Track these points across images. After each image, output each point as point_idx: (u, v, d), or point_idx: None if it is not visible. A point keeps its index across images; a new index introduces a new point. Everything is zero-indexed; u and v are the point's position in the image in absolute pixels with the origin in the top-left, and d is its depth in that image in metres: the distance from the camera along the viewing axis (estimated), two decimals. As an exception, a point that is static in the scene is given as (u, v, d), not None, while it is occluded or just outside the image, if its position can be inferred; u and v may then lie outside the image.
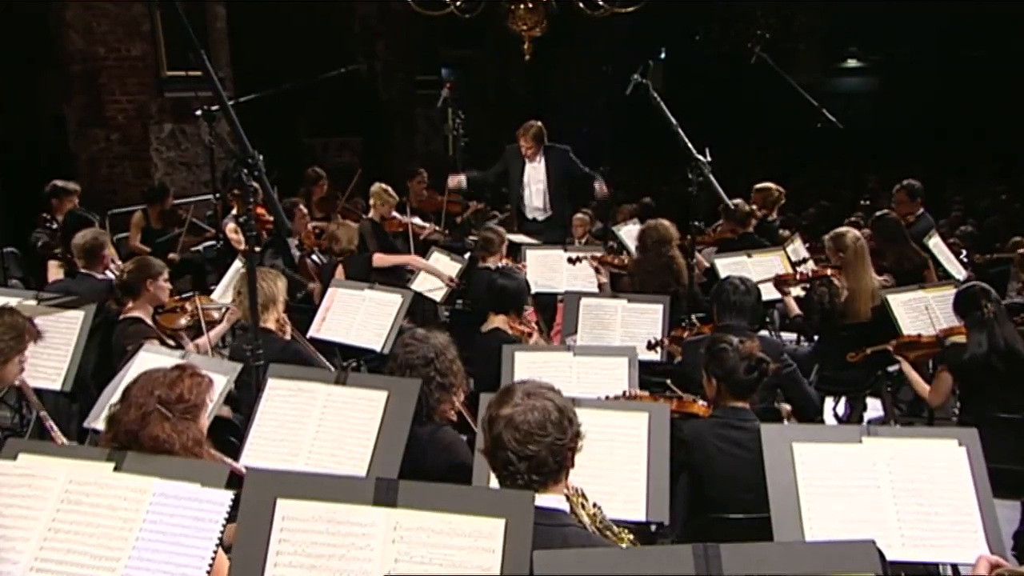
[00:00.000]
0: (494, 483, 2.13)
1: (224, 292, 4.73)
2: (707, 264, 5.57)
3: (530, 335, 4.04)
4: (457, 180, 6.80)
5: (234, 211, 6.25)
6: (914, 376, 4.03)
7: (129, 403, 2.24)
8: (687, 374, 3.52)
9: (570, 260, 5.21)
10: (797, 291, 4.92)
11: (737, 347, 2.91)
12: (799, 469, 2.39)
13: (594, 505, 2.13)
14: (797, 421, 3.53)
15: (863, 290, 4.57)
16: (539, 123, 6.62)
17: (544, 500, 1.93)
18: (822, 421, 4.78)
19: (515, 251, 5.64)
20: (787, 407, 3.62)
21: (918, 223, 6.14)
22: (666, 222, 5.07)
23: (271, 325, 3.78)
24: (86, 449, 2.52)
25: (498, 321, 4.02)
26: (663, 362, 4.02)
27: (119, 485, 1.94)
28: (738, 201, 5.90)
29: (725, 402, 2.95)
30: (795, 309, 4.82)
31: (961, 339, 3.81)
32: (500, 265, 5.25)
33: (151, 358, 3.22)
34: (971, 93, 14.60)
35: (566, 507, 2.02)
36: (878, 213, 5.91)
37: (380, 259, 5.48)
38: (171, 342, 4.01)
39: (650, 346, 3.96)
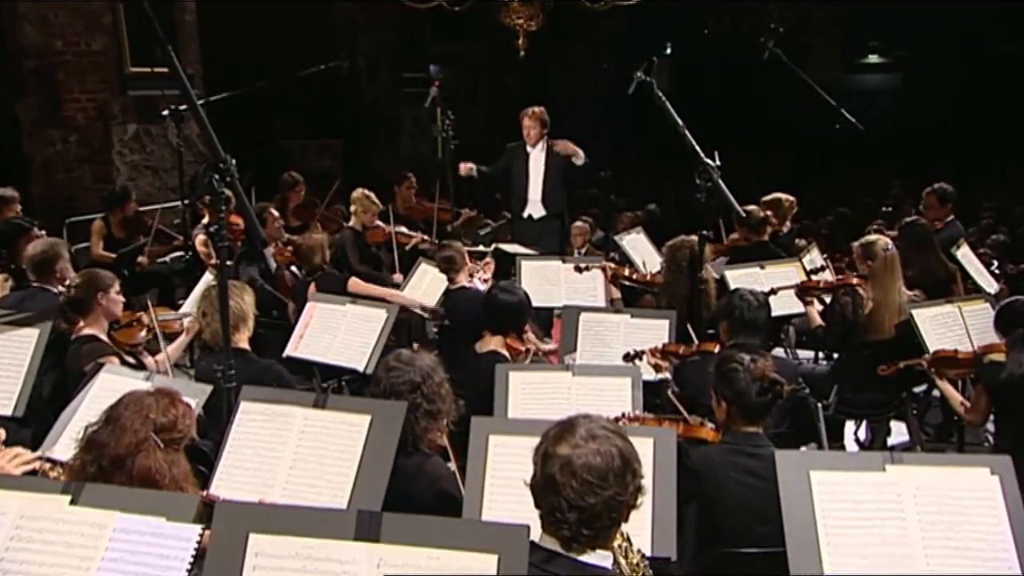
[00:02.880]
0: (485, 517, 2.12)
1: (193, 307, 4.72)
2: (716, 275, 5.57)
3: (527, 353, 4.01)
4: (468, 167, 6.83)
5: (204, 220, 6.25)
6: (949, 391, 4.05)
7: (121, 427, 2.23)
8: (689, 397, 3.51)
9: (577, 269, 5.17)
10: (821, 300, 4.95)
11: (748, 367, 2.90)
12: (817, 499, 2.38)
13: (639, 552, 2.05)
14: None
15: (889, 304, 4.57)
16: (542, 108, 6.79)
17: (589, 557, 1.91)
18: (842, 447, 4.79)
19: (510, 262, 5.64)
20: None
21: (946, 231, 6.14)
22: (695, 238, 5.02)
23: (243, 344, 3.78)
24: (40, 481, 2.50)
25: (495, 343, 3.96)
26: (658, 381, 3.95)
27: (76, 520, 1.92)
28: (751, 207, 5.92)
29: (736, 426, 2.94)
30: (817, 319, 4.84)
31: (1001, 357, 3.81)
32: (485, 278, 5.23)
33: (113, 379, 3.21)
34: (1002, 91, 14.66)
35: (610, 563, 1.96)
36: (908, 219, 5.92)
37: (356, 285, 5.36)
38: (131, 359, 3.99)
39: (627, 358, 3.89)
